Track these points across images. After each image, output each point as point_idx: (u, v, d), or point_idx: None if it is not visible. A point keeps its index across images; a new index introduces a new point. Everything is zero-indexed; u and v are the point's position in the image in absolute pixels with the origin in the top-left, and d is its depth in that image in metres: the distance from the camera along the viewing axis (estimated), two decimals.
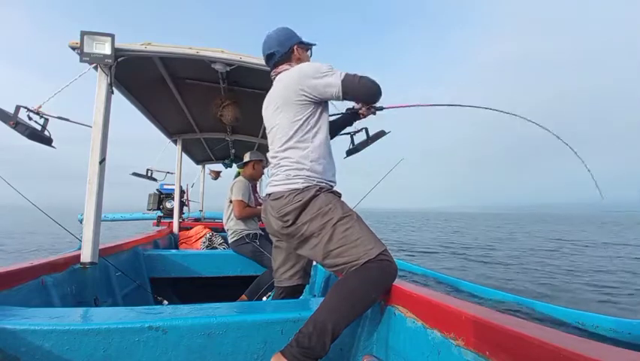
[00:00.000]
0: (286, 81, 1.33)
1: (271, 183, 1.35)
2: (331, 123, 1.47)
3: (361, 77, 1.29)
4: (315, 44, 1.53)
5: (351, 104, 1.57)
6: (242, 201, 2.75)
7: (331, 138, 1.48)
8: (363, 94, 1.36)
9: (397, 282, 1.20)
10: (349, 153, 1.80)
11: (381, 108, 1.53)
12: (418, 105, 1.63)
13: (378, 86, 1.35)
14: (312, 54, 1.54)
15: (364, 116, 1.62)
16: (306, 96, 1.28)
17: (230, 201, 2.80)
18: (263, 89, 2.54)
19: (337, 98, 1.30)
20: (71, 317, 1.05)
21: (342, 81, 1.26)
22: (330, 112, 1.48)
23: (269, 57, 1.45)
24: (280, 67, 1.42)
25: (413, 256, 9.21)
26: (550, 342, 0.65)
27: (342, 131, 1.68)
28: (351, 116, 1.59)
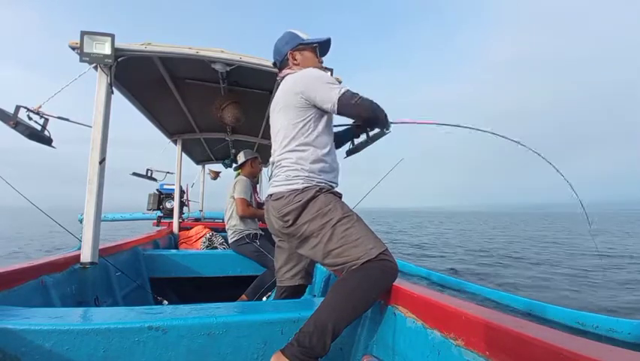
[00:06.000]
0: (287, 86, 1.35)
1: (272, 183, 1.36)
2: (335, 135, 1.47)
3: (361, 98, 1.26)
4: (319, 41, 1.45)
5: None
6: (244, 199, 2.75)
7: (336, 149, 1.48)
8: (357, 116, 1.34)
9: (397, 282, 1.20)
10: (349, 152, 1.81)
11: (388, 126, 1.51)
12: (429, 123, 1.61)
13: (377, 112, 1.32)
14: (316, 51, 1.46)
15: (368, 135, 1.66)
16: (305, 101, 1.29)
17: (233, 198, 2.80)
18: (263, 89, 2.54)
19: (332, 112, 1.31)
20: (71, 317, 1.05)
21: (339, 99, 1.24)
22: (335, 122, 1.48)
23: (274, 65, 1.54)
24: (283, 71, 1.45)
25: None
26: (551, 342, 0.65)
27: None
28: (355, 131, 1.63)
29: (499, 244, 12.46)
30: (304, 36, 1.44)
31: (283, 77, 1.43)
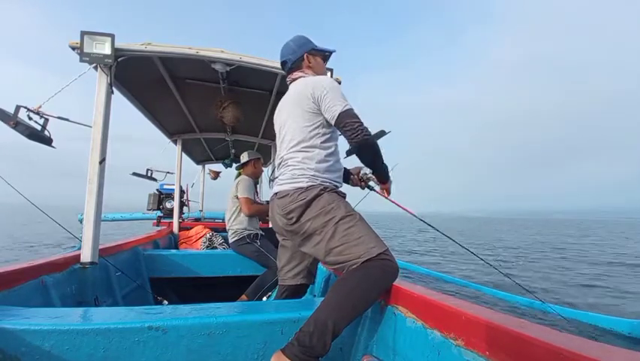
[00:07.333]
0: (299, 88, 1.37)
1: (278, 182, 1.38)
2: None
3: (358, 123, 1.24)
4: (331, 51, 1.54)
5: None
6: (249, 198, 2.76)
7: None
8: (353, 135, 1.25)
9: (397, 282, 1.21)
10: (349, 153, 1.81)
11: (372, 188, 1.63)
12: (400, 206, 1.72)
13: (374, 145, 1.30)
14: (327, 60, 1.56)
15: (353, 183, 1.68)
16: (316, 106, 1.31)
17: (236, 198, 2.80)
18: (263, 90, 2.54)
19: (331, 122, 1.30)
20: (71, 317, 1.05)
21: (340, 113, 1.25)
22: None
23: (283, 64, 1.52)
24: (295, 73, 1.47)
25: None
26: (551, 342, 0.65)
27: None
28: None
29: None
30: (316, 43, 1.50)
31: (294, 79, 1.45)
